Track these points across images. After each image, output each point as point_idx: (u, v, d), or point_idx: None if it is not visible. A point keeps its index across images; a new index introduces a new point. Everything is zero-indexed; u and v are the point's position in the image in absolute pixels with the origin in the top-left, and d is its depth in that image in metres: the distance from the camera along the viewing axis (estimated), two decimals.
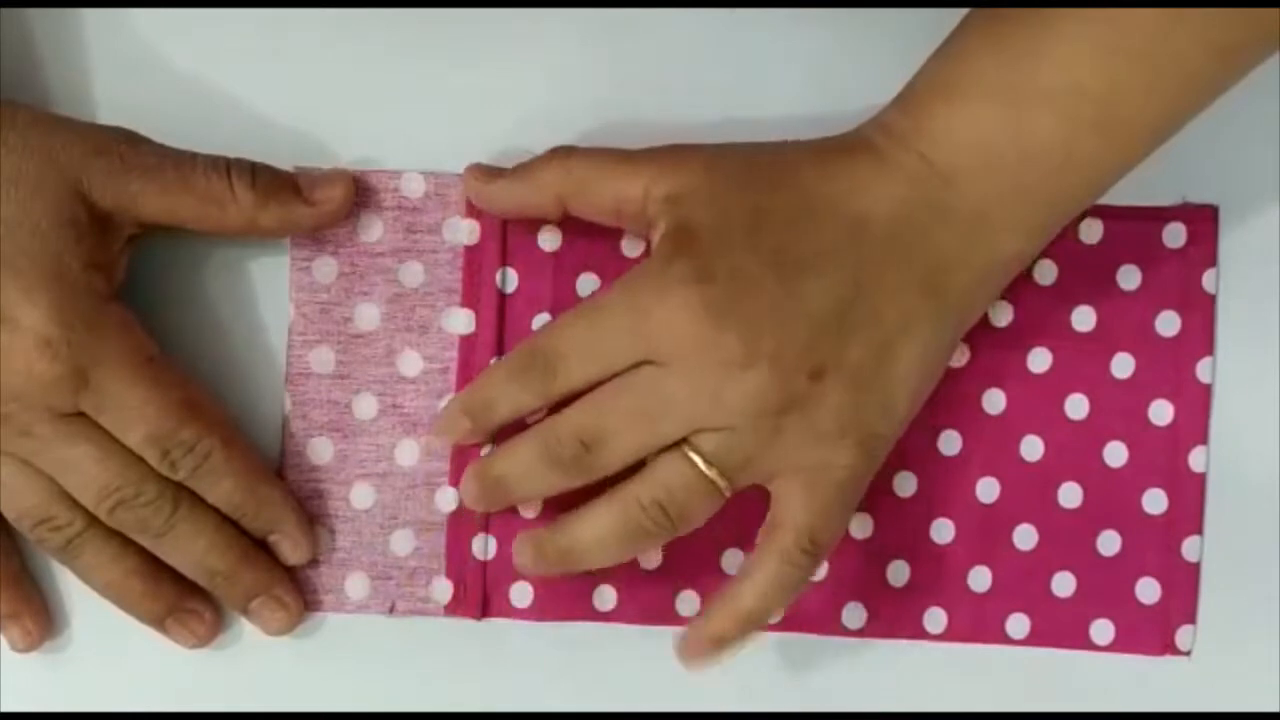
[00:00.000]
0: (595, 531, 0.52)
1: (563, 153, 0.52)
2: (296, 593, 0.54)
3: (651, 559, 0.56)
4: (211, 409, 0.52)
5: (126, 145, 0.51)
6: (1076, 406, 0.57)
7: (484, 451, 0.54)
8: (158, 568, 0.52)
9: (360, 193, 0.55)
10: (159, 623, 0.53)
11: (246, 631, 0.55)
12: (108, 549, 0.51)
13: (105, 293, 0.50)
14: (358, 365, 0.55)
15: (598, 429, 0.50)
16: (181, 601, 0.53)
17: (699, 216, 0.50)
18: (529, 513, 0.55)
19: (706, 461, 0.50)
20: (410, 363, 0.55)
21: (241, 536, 0.53)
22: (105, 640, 0.54)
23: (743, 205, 0.50)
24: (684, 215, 0.50)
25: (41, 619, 0.54)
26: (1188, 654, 0.57)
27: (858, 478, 0.52)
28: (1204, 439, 0.57)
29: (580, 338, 0.51)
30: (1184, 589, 0.57)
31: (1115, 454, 0.57)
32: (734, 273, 0.49)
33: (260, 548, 0.53)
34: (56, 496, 0.50)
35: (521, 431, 0.52)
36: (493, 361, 0.55)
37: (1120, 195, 0.54)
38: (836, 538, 0.52)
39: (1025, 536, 0.57)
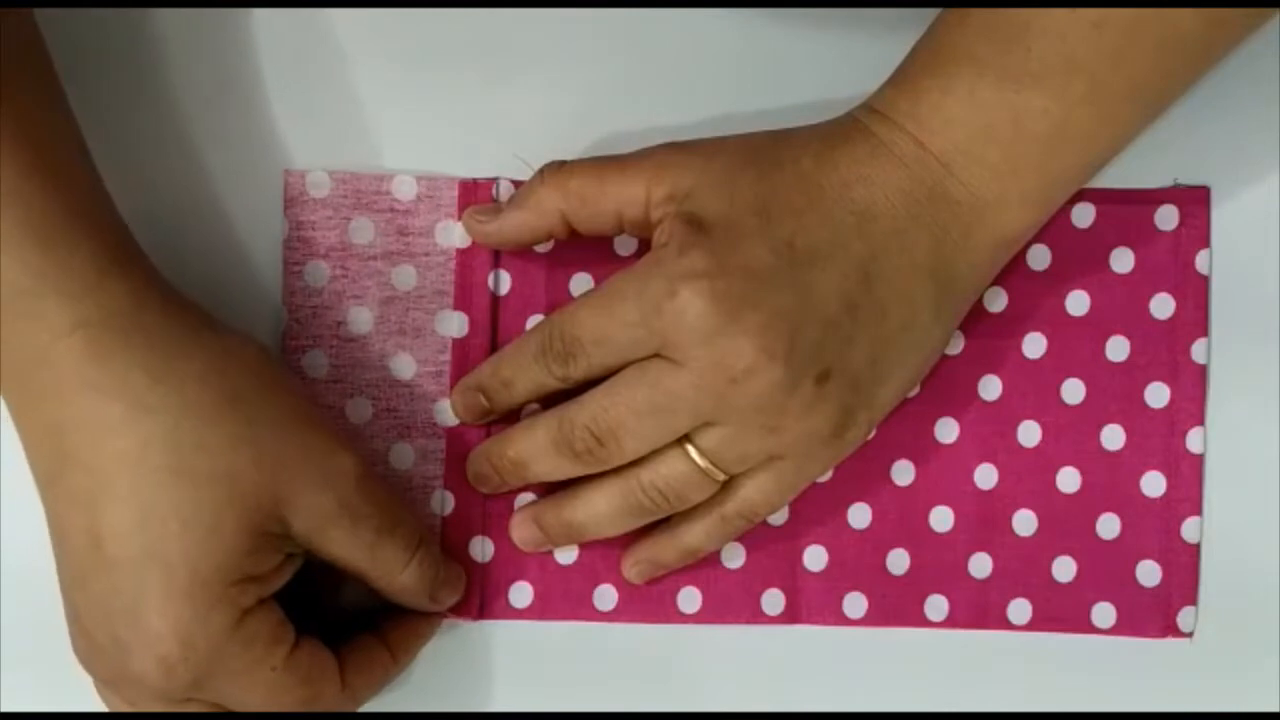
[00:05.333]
0: (597, 509, 0.53)
1: (555, 169, 0.52)
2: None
3: None
4: (333, 690, 0.50)
5: (352, 487, 0.49)
6: (1072, 391, 0.57)
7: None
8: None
9: (352, 195, 0.55)
10: None
11: None
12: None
13: (248, 604, 0.47)
14: (351, 369, 0.55)
15: (610, 423, 0.51)
16: None
17: (708, 207, 0.50)
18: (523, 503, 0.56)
19: (704, 456, 0.51)
20: (403, 366, 0.55)
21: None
22: None
23: (750, 191, 0.50)
24: (692, 207, 0.50)
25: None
26: (1189, 635, 0.57)
27: (825, 469, 0.54)
28: (1201, 420, 0.57)
29: (596, 326, 0.51)
30: (1184, 571, 0.57)
31: (1113, 437, 0.57)
32: (747, 268, 0.49)
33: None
34: None
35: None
36: (513, 343, 0.54)
37: (1111, 178, 0.54)
38: (777, 510, 0.55)
39: (1024, 522, 0.57)
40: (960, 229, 0.51)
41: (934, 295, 0.51)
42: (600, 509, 0.53)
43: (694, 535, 0.54)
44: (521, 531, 0.55)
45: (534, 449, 0.53)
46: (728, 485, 0.52)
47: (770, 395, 0.49)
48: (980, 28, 0.50)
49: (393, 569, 0.51)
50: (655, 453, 0.51)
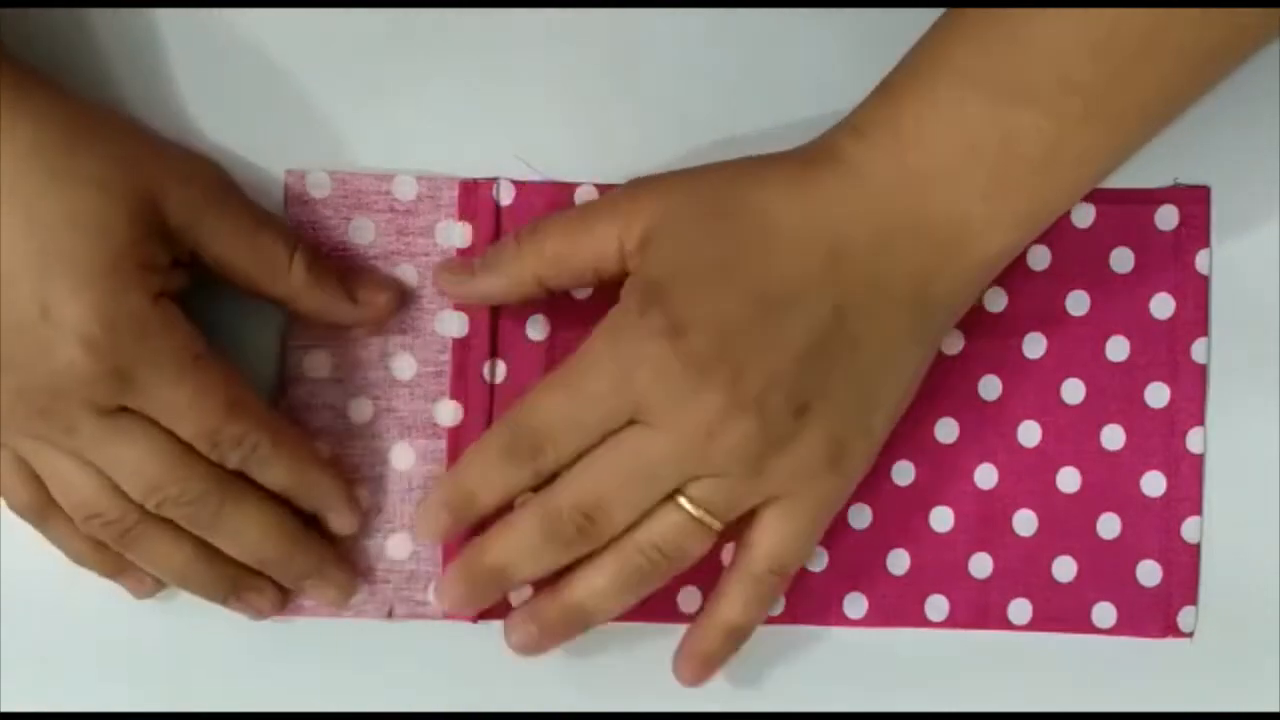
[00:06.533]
0: (596, 584, 0.52)
1: (528, 234, 0.52)
2: (347, 568, 0.54)
3: None
4: (257, 403, 0.51)
5: (216, 184, 0.52)
6: (1073, 391, 0.57)
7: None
8: (216, 550, 0.52)
9: (352, 195, 0.55)
10: (223, 601, 0.53)
11: (245, 631, 0.55)
12: (163, 539, 0.51)
13: (155, 290, 0.49)
14: (353, 369, 0.55)
15: (596, 498, 0.50)
16: (243, 579, 0.53)
17: (670, 260, 0.50)
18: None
19: (696, 506, 0.51)
20: (404, 366, 0.55)
21: (289, 521, 0.52)
22: (103, 640, 0.55)
23: (713, 241, 0.50)
24: (654, 262, 0.50)
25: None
26: (1189, 635, 0.57)
27: (834, 501, 0.53)
28: (1201, 420, 0.57)
29: (565, 411, 0.50)
30: (1184, 571, 0.57)
31: (1113, 437, 0.57)
32: (711, 320, 0.49)
33: (308, 527, 0.53)
34: (107, 491, 0.50)
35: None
36: (470, 449, 0.53)
37: (1112, 178, 0.54)
38: (806, 559, 0.54)
39: (1025, 522, 0.57)
40: (940, 255, 0.50)
41: (911, 322, 0.51)
42: (600, 584, 0.52)
43: (731, 608, 0.53)
44: (519, 634, 0.53)
45: (519, 548, 0.52)
46: (744, 544, 0.52)
47: (748, 444, 0.49)
48: (970, 39, 0.49)
49: (279, 262, 0.51)
50: (645, 514, 0.51)
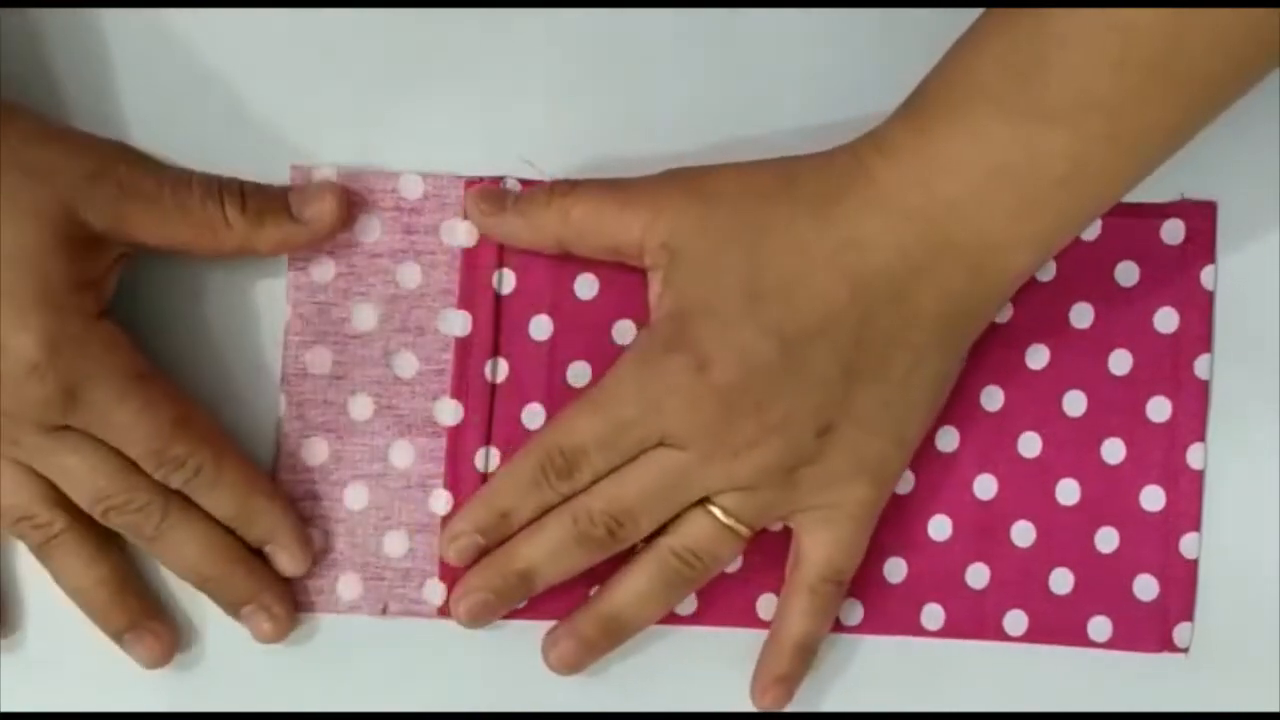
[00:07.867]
0: (635, 588, 0.53)
1: (562, 192, 0.52)
2: (288, 602, 0.54)
3: None
4: (203, 424, 0.52)
5: (125, 167, 0.50)
6: (1074, 403, 0.57)
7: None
8: (125, 582, 0.53)
9: (358, 193, 0.55)
10: (117, 636, 0.53)
11: (241, 630, 0.54)
12: (81, 554, 0.52)
13: (94, 311, 0.49)
14: (354, 366, 0.55)
15: (624, 506, 0.52)
16: (142, 619, 0.53)
17: (696, 288, 0.51)
18: None
19: (726, 515, 0.52)
20: (406, 364, 0.55)
21: (234, 543, 0.52)
22: (102, 640, 0.54)
23: (740, 267, 0.50)
24: (680, 288, 0.51)
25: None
26: (1185, 651, 0.57)
27: (872, 507, 0.53)
28: (1202, 435, 0.57)
29: (598, 433, 0.52)
30: (1182, 586, 0.57)
31: (1113, 451, 0.57)
32: (738, 353, 0.50)
33: (255, 555, 0.53)
34: (40, 497, 0.51)
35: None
36: (495, 469, 0.54)
37: None
38: (857, 563, 0.54)
39: (1023, 533, 0.57)
40: (966, 277, 0.50)
41: (939, 336, 0.51)
42: (640, 587, 0.53)
43: (793, 622, 0.54)
44: (559, 651, 0.54)
45: (548, 550, 0.53)
46: (794, 559, 0.54)
47: (774, 460, 0.51)
48: (997, 62, 0.48)
49: (215, 221, 0.51)
50: (676, 518, 0.52)
